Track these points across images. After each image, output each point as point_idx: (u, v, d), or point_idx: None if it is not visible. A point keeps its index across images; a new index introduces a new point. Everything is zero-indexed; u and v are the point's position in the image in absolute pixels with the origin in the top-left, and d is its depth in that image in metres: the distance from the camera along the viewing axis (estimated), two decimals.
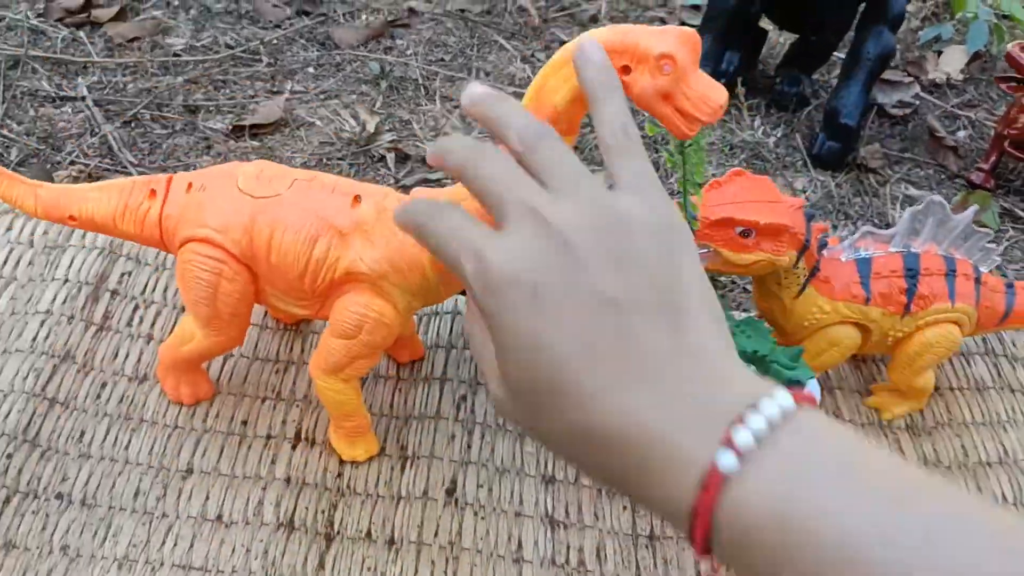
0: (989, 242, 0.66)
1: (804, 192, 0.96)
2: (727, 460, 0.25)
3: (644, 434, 0.27)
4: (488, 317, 0.28)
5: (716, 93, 0.44)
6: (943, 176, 1.04)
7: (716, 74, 1.11)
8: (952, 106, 1.20)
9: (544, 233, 0.28)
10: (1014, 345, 0.77)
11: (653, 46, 0.43)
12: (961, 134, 1.15)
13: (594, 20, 1.27)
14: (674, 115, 0.44)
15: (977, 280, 0.66)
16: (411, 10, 1.15)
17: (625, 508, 0.63)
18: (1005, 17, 1.54)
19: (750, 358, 0.60)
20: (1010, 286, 0.68)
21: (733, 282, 0.83)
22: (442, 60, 1.07)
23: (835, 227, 0.92)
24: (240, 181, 0.56)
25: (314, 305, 0.58)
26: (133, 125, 0.92)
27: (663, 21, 1.32)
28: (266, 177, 0.56)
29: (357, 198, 0.55)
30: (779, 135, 1.04)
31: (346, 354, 0.57)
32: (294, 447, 0.63)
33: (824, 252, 0.64)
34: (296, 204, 0.55)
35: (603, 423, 0.27)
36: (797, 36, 1.11)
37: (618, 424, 0.27)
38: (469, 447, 0.65)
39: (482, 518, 0.61)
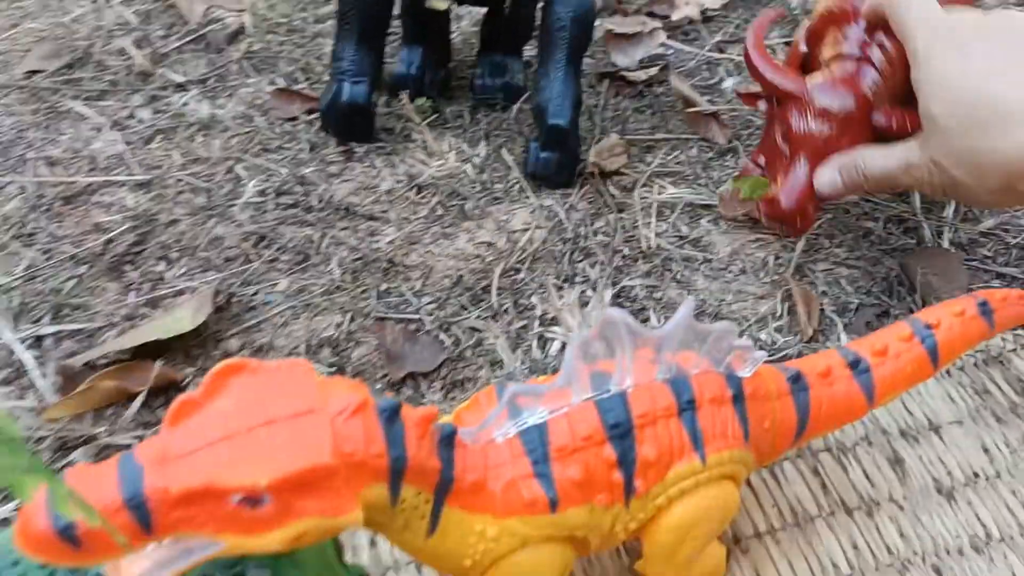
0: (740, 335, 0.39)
1: (527, 231, 0.68)
2: None
3: None
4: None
5: None
6: (711, 154, 0.78)
7: (396, 79, 0.81)
8: (709, 49, 0.95)
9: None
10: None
11: None
12: (728, 83, 0.89)
13: (237, 35, 0.94)
14: None
15: (737, 397, 0.39)
16: None
17: None
18: None
19: None
20: (796, 379, 0.42)
21: None
22: None
23: (564, 284, 0.64)
24: None
25: None
26: None
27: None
28: None
29: None
30: (483, 155, 0.75)
31: None
32: None
33: (464, 436, 0.35)
34: None
35: None
36: (485, 11, 0.83)
37: None
38: None
39: None
